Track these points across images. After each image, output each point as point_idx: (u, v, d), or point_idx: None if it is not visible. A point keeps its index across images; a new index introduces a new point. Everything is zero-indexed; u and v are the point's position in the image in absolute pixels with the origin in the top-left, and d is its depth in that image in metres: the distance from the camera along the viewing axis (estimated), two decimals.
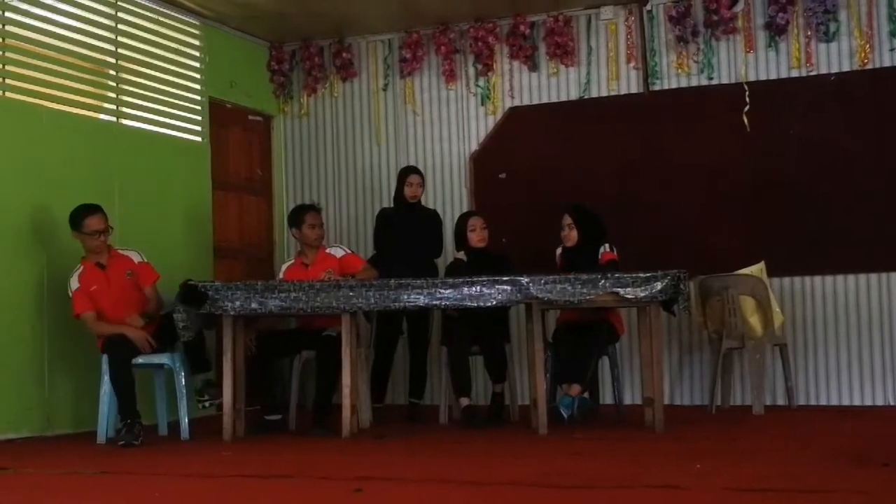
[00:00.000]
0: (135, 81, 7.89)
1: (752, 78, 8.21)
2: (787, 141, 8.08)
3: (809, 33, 8.08)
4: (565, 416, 6.66)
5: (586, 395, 7.02)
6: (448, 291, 6.50)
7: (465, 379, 7.17)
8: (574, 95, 8.68)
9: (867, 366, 7.88)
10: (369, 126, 9.21)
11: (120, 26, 7.75)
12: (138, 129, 7.93)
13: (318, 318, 6.96)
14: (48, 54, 7.21)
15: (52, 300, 6.98)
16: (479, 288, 6.46)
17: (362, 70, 9.23)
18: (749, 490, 4.30)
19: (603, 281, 6.41)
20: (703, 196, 8.24)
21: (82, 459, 5.83)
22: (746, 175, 8.15)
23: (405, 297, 6.51)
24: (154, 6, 8.04)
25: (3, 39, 6.92)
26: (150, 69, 8.02)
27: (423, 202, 8.12)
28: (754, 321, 7.44)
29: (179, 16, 8.31)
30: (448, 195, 8.96)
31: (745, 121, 8.16)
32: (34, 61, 7.11)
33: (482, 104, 8.90)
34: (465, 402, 7.12)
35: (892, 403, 7.79)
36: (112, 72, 7.72)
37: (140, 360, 6.66)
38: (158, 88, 8.09)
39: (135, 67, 7.88)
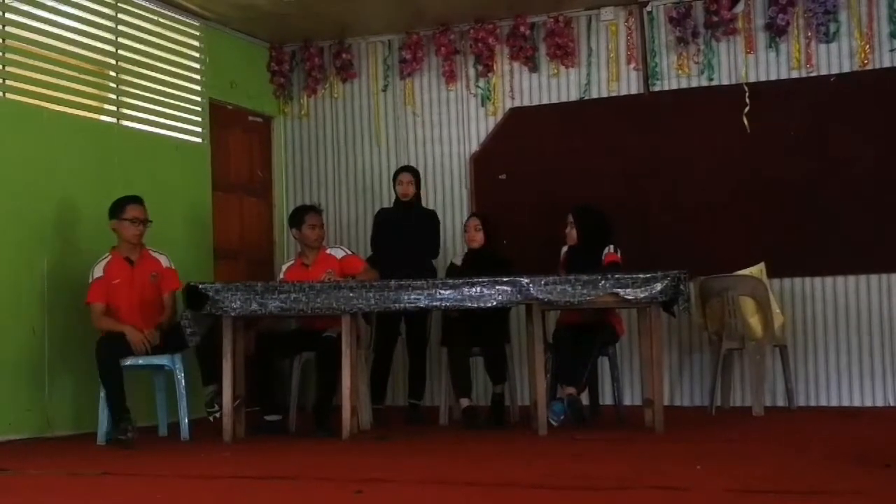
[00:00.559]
0: (135, 83, 7.89)
1: (752, 79, 8.21)
2: (788, 142, 8.08)
3: (810, 34, 8.08)
4: (554, 423, 6.63)
5: (584, 396, 7.02)
6: (448, 292, 6.50)
7: (465, 380, 7.17)
8: (574, 96, 8.68)
9: (867, 367, 7.88)
10: (369, 127, 9.21)
11: (120, 27, 7.75)
12: (139, 130, 7.93)
13: (319, 319, 6.96)
14: (49, 56, 7.21)
15: (52, 301, 6.98)
16: (479, 289, 6.46)
17: (362, 71, 9.23)
18: (749, 491, 4.30)
19: (603, 282, 6.41)
20: (703, 197, 8.24)
21: (83, 460, 5.84)
22: (746, 176, 8.15)
23: (405, 298, 6.51)
24: (154, 7, 8.04)
25: (4, 41, 6.92)
26: (151, 70, 8.02)
27: (423, 203, 8.13)
28: (754, 322, 7.44)
29: (180, 17, 8.31)
30: (448, 196, 8.96)
31: (746, 122, 8.16)
32: (35, 63, 7.11)
33: (482, 105, 8.90)
34: (465, 402, 7.12)
35: (892, 404, 7.79)
36: (112, 73, 7.72)
37: (140, 361, 6.66)
38: (159, 90, 8.09)
39: (135, 69, 7.88)
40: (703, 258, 7.82)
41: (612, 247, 7.14)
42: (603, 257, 7.10)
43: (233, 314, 6.57)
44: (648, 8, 8.45)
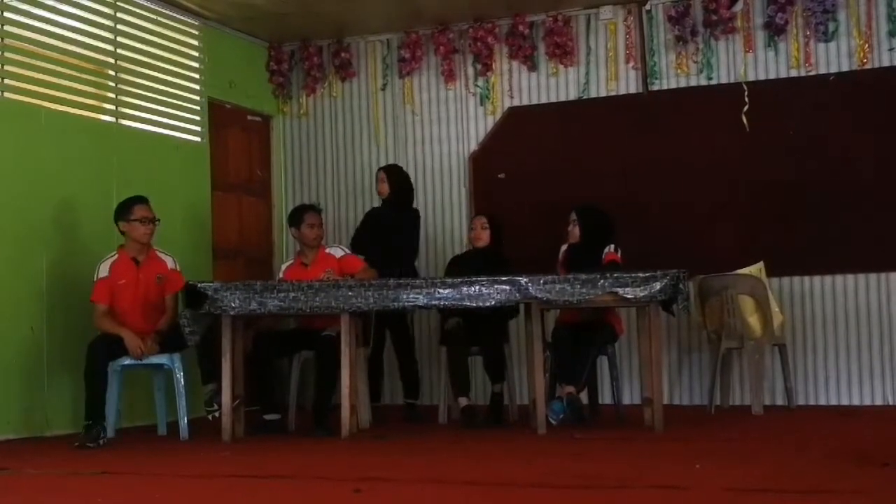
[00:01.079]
0: (134, 82, 7.89)
1: (751, 78, 8.21)
2: (787, 141, 8.08)
3: (808, 33, 8.08)
4: (553, 422, 6.63)
5: (583, 395, 7.02)
6: (447, 291, 6.49)
7: (463, 379, 7.17)
8: (573, 95, 8.68)
9: (866, 366, 7.88)
10: (368, 126, 9.21)
11: (119, 27, 7.75)
12: (138, 129, 7.93)
13: (318, 318, 6.96)
14: (48, 55, 7.21)
15: (51, 300, 6.98)
16: (477, 288, 6.46)
17: (361, 70, 9.23)
18: (748, 490, 4.30)
19: (602, 281, 6.41)
20: (701, 196, 8.24)
21: (82, 460, 5.83)
22: (745, 175, 8.15)
23: (404, 296, 6.50)
24: (153, 7, 8.04)
25: (3, 40, 6.92)
26: (150, 69, 8.02)
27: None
28: (753, 321, 7.44)
29: (179, 16, 8.31)
30: (447, 195, 8.96)
31: (745, 121, 8.16)
32: (34, 62, 7.11)
33: (481, 104, 8.90)
34: (463, 401, 7.12)
35: (891, 403, 7.79)
36: (111, 72, 7.72)
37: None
38: (158, 89, 8.09)
39: (134, 68, 7.88)
40: (702, 257, 7.82)
41: (612, 246, 7.14)
42: (603, 256, 7.10)
43: (232, 313, 6.57)
44: (647, 7, 8.45)
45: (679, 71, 8.39)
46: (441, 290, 6.50)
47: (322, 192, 9.23)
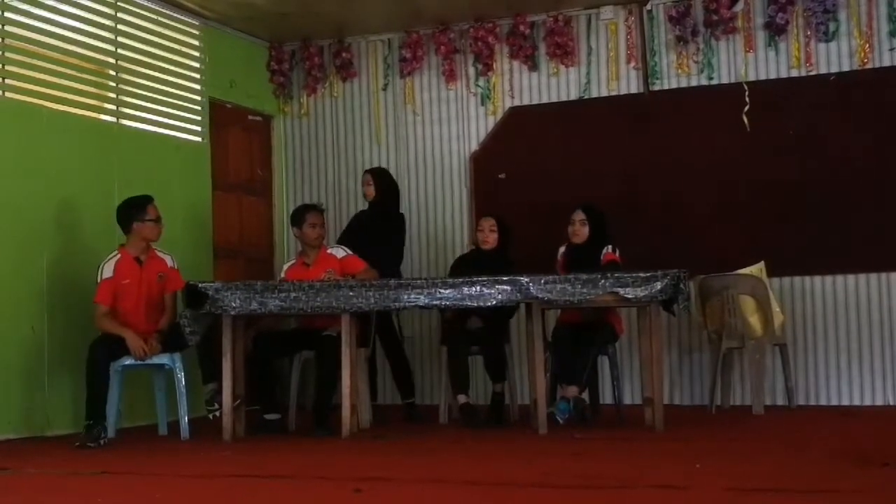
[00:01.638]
0: (135, 82, 7.89)
1: (751, 78, 8.21)
2: (787, 141, 8.08)
3: (809, 33, 8.08)
4: (560, 421, 6.62)
5: (584, 395, 7.02)
6: (448, 291, 6.49)
7: (462, 376, 7.16)
8: (574, 95, 8.68)
9: (867, 365, 7.88)
10: (369, 126, 9.21)
11: (120, 27, 7.75)
12: (138, 129, 7.93)
13: (318, 318, 6.96)
14: (48, 55, 7.21)
15: (51, 300, 6.98)
16: (478, 288, 6.46)
17: (362, 70, 9.23)
18: (749, 490, 4.30)
19: (603, 281, 6.41)
20: (702, 196, 8.24)
21: (82, 460, 5.83)
22: (746, 175, 8.15)
23: (405, 297, 6.50)
24: (154, 7, 8.04)
25: (4, 40, 6.92)
26: (151, 69, 8.02)
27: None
28: (754, 321, 7.45)
29: (179, 16, 8.31)
30: (448, 195, 8.96)
31: (745, 120, 8.17)
32: (34, 62, 7.11)
33: (482, 104, 8.90)
34: (462, 398, 7.11)
35: (891, 403, 7.79)
36: (112, 72, 7.72)
37: None
38: (158, 89, 8.09)
39: (135, 68, 7.88)
40: (702, 257, 7.82)
41: (610, 246, 7.14)
42: (602, 257, 7.10)
43: (232, 313, 6.57)
44: (648, 7, 8.45)
45: (680, 71, 8.39)
46: (442, 291, 6.49)
47: (323, 192, 9.23)
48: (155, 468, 5.50)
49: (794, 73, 8.14)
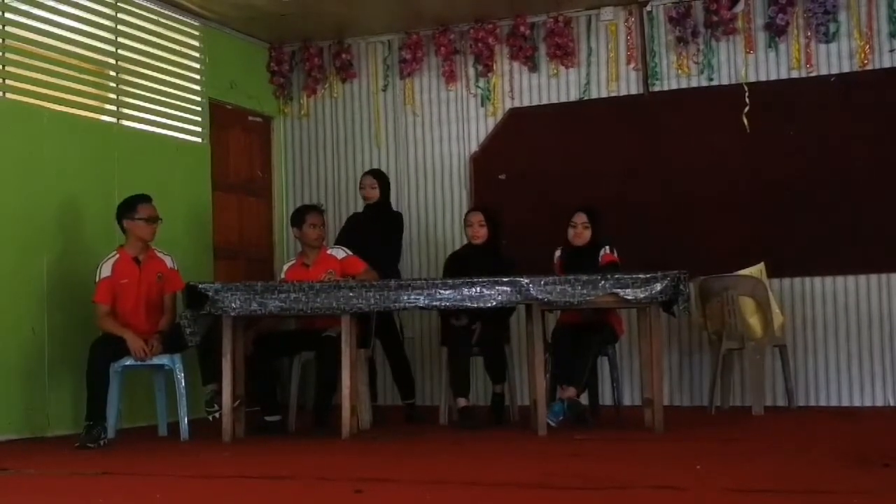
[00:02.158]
0: (135, 82, 7.89)
1: (752, 79, 8.22)
2: (787, 142, 8.08)
3: (809, 34, 8.08)
4: (553, 424, 6.59)
5: (583, 396, 7.02)
6: (448, 292, 6.49)
7: (463, 379, 7.15)
8: (574, 96, 8.68)
9: (867, 366, 7.88)
10: (369, 127, 9.21)
11: (120, 27, 7.75)
12: (138, 130, 7.93)
13: (318, 318, 6.96)
14: (49, 55, 7.21)
15: (52, 301, 6.98)
16: (478, 289, 6.46)
17: (362, 71, 9.23)
18: (749, 491, 4.30)
19: (603, 282, 6.41)
20: (702, 197, 8.24)
21: (83, 460, 5.83)
22: (746, 176, 8.15)
23: (405, 297, 6.50)
24: (154, 7, 8.04)
25: (4, 40, 6.92)
26: (151, 70, 8.03)
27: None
28: (754, 322, 7.45)
29: (179, 17, 8.31)
30: (448, 196, 8.96)
31: (745, 122, 8.17)
32: (35, 62, 7.12)
33: (482, 105, 8.90)
34: (462, 402, 7.11)
35: (891, 404, 7.79)
36: (112, 73, 7.72)
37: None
38: (159, 89, 8.09)
39: (135, 69, 7.88)
40: (702, 258, 7.82)
41: (608, 247, 7.14)
42: (600, 257, 7.10)
43: (232, 314, 6.57)
44: (648, 8, 8.46)
45: (680, 72, 8.40)
46: (442, 291, 6.49)
47: (323, 193, 9.24)
48: (155, 469, 5.50)
49: (795, 74, 8.14)
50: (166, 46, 8.21)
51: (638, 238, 7.95)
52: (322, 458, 5.80)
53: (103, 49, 7.62)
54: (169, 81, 8.20)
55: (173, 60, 8.27)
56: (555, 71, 8.70)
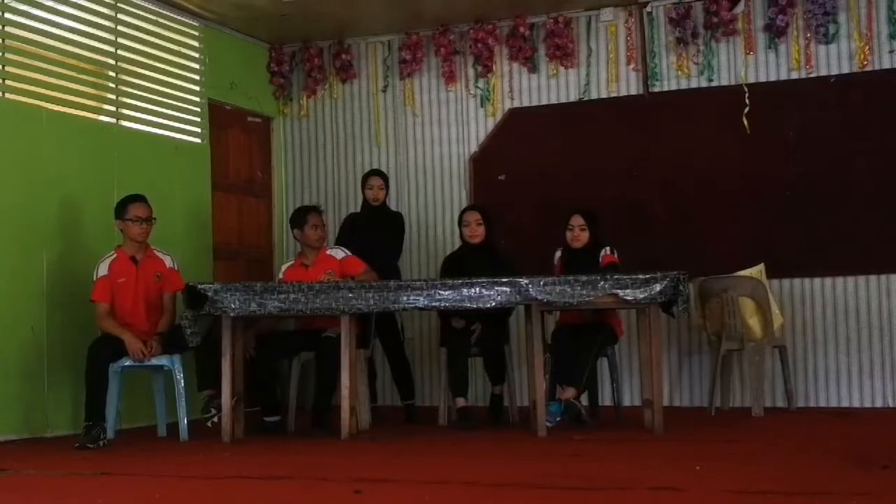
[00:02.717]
0: (135, 83, 7.89)
1: (751, 80, 8.22)
2: (787, 143, 8.08)
3: (809, 35, 8.08)
4: (549, 424, 6.55)
5: (583, 396, 7.01)
6: (447, 293, 6.49)
7: (461, 380, 7.16)
8: (574, 97, 8.68)
9: (867, 367, 7.88)
10: (369, 127, 9.21)
11: (120, 28, 7.75)
12: (138, 130, 7.93)
13: (318, 319, 6.96)
14: (48, 55, 7.21)
15: (52, 301, 6.98)
16: (478, 289, 6.46)
17: (362, 71, 9.23)
18: (749, 492, 4.30)
19: (602, 283, 6.41)
20: (702, 198, 8.24)
21: (82, 461, 5.83)
22: (746, 177, 8.15)
23: (404, 298, 6.50)
24: (154, 8, 8.04)
25: (3, 40, 6.92)
26: (150, 70, 8.02)
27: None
28: (754, 323, 7.44)
29: (179, 17, 8.31)
30: (448, 197, 8.96)
31: (745, 122, 8.17)
32: (34, 62, 7.11)
33: (482, 106, 8.90)
34: (460, 402, 7.11)
35: (891, 405, 7.79)
36: (112, 73, 7.72)
37: None
38: (158, 90, 8.09)
39: (135, 69, 7.88)
40: (702, 259, 7.82)
41: (608, 248, 7.14)
42: (600, 259, 7.09)
43: (231, 314, 6.57)
44: (648, 9, 8.46)
45: (680, 72, 8.40)
46: (441, 292, 6.49)
47: (322, 194, 9.24)
48: (154, 469, 5.50)
49: (794, 75, 8.14)
50: (166, 47, 8.21)
51: (637, 239, 7.95)
52: (321, 458, 5.80)
53: (103, 49, 7.62)
54: (168, 82, 8.20)
55: (173, 61, 8.27)
56: (554, 71, 8.70)
